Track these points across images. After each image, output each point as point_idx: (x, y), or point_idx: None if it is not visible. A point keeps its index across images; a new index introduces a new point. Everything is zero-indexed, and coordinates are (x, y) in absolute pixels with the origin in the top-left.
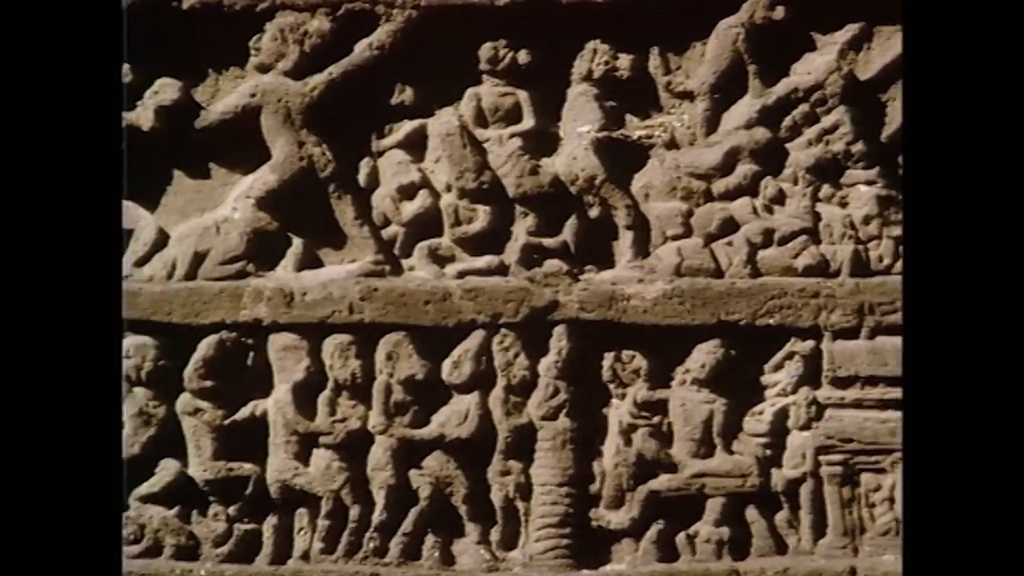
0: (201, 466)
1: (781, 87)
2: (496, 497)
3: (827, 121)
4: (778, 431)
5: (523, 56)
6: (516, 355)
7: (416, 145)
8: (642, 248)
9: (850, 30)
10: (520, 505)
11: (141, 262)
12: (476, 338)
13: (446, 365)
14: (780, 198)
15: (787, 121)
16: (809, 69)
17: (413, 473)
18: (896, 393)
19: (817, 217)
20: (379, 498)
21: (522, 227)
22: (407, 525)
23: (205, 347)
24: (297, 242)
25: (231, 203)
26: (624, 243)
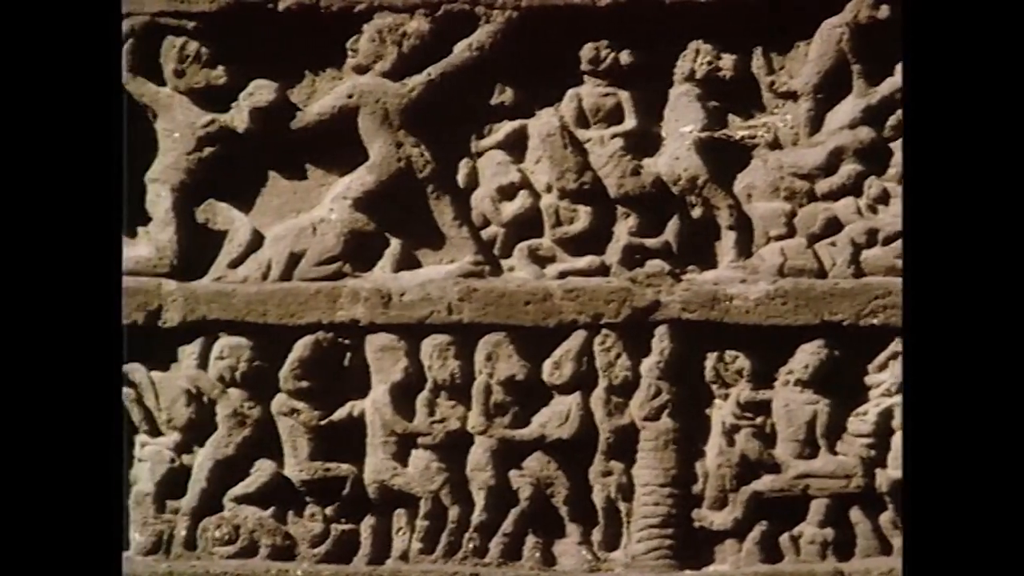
0: (297, 466)
1: (885, 86)
2: (598, 498)
3: None
4: (883, 432)
5: (625, 56)
6: (618, 356)
7: (516, 146)
8: (745, 248)
9: None
10: (622, 506)
11: (235, 263)
12: (577, 339)
13: (547, 366)
14: (884, 198)
15: (891, 120)
16: None
17: (513, 474)
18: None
19: None
20: (479, 498)
21: (623, 227)
22: (507, 525)
23: (301, 348)
24: (395, 243)
25: (328, 204)
26: (726, 243)
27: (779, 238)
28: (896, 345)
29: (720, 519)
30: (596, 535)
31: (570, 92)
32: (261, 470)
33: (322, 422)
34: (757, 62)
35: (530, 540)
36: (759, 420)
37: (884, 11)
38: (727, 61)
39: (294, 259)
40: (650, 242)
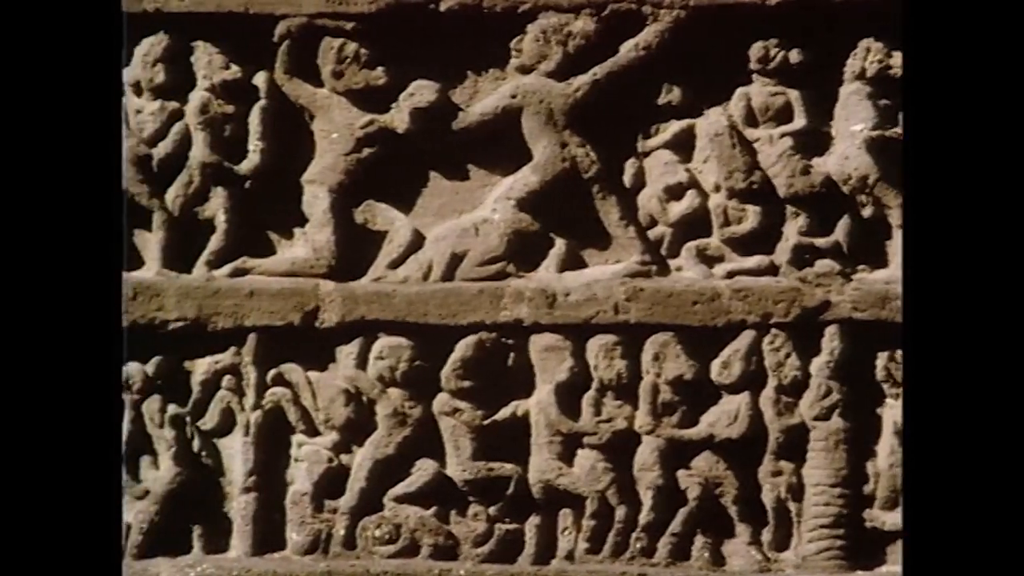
0: (460, 466)
1: None
2: (767, 498)
3: None
4: None
5: (794, 55)
6: (787, 355)
7: (684, 145)
8: None
9: None
10: (792, 506)
11: (395, 264)
12: (746, 338)
13: (715, 365)
14: None
15: None
16: None
17: (681, 473)
18: None
19: None
20: (646, 498)
21: (793, 227)
22: (676, 525)
23: (463, 348)
24: (560, 243)
25: (491, 204)
26: (897, 242)
27: None
28: None
29: (892, 519)
30: (766, 535)
31: (739, 91)
32: (423, 469)
33: (485, 422)
34: None
35: (699, 540)
36: None
37: None
38: (898, 59)
39: (456, 259)
40: (820, 241)
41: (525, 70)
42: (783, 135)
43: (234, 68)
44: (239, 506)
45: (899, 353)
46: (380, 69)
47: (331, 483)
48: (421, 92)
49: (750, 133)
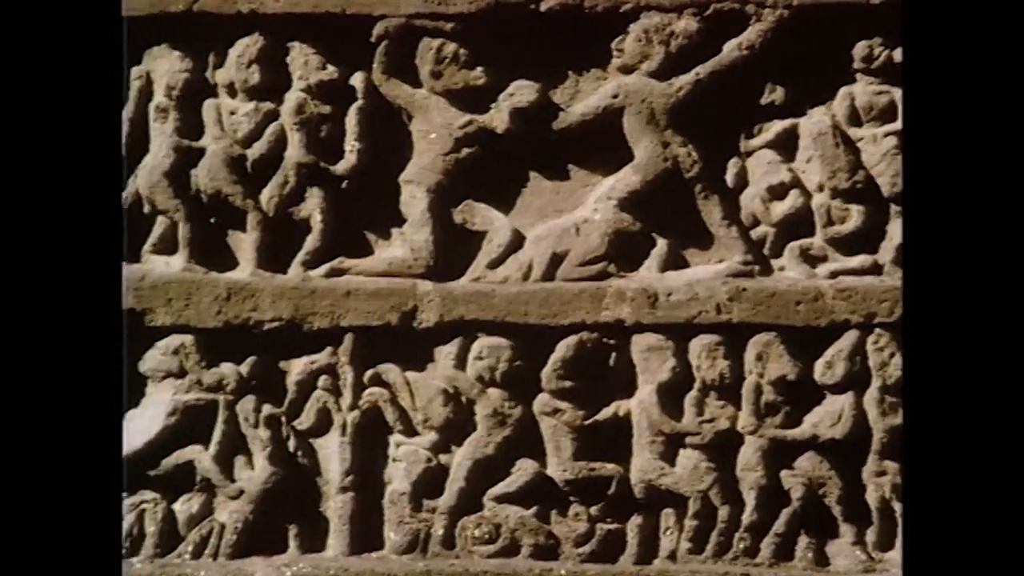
0: (561, 466)
1: None
2: (871, 498)
3: None
4: None
5: (898, 54)
6: (891, 355)
7: (787, 145)
8: None
9: None
10: (896, 506)
11: (495, 264)
12: (849, 338)
13: (818, 365)
14: None
15: None
16: None
17: (784, 474)
18: None
19: None
20: (749, 498)
21: (897, 227)
22: (779, 526)
23: (564, 348)
24: (661, 243)
25: (592, 204)
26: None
27: None
28: None
29: None
30: (870, 535)
31: (842, 90)
32: (523, 469)
33: (586, 422)
34: None
35: (802, 540)
36: None
37: None
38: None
39: (556, 259)
40: None
41: (627, 70)
42: (887, 134)
43: (331, 69)
44: (336, 505)
45: None
46: (479, 69)
47: (430, 483)
48: (521, 92)
49: (854, 132)
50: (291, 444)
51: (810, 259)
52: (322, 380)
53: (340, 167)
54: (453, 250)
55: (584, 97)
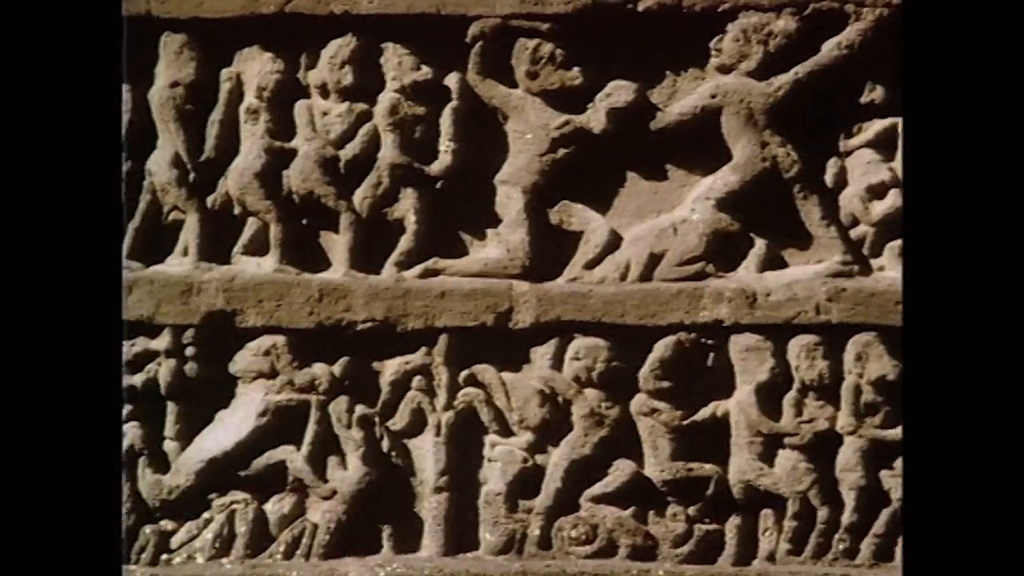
0: (658, 466)
1: None
2: None
3: None
4: None
5: None
6: None
7: (886, 144)
8: None
9: None
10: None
11: (592, 264)
12: None
13: None
14: None
15: None
16: None
17: (884, 474)
18: None
19: None
20: (849, 499)
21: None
22: (879, 527)
23: (662, 348)
24: (760, 243)
25: (689, 204)
26: None
27: None
28: None
29: None
30: None
31: None
32: (620, 470)
33: (684, 422)
34: None
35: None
36: None
37: None
38: None
39: (654, 260)
40: None
41: (725, 70)
42: None
43: (425, 69)
44: (430, 506)
45: None
46: (576, 69)
47: (525, 483)
48: (618, 92)
49: None
50: (384, 444)
51: None
52: (416, 380)
53: (434, 168)
54: (549, 251)
55: (682, 97)
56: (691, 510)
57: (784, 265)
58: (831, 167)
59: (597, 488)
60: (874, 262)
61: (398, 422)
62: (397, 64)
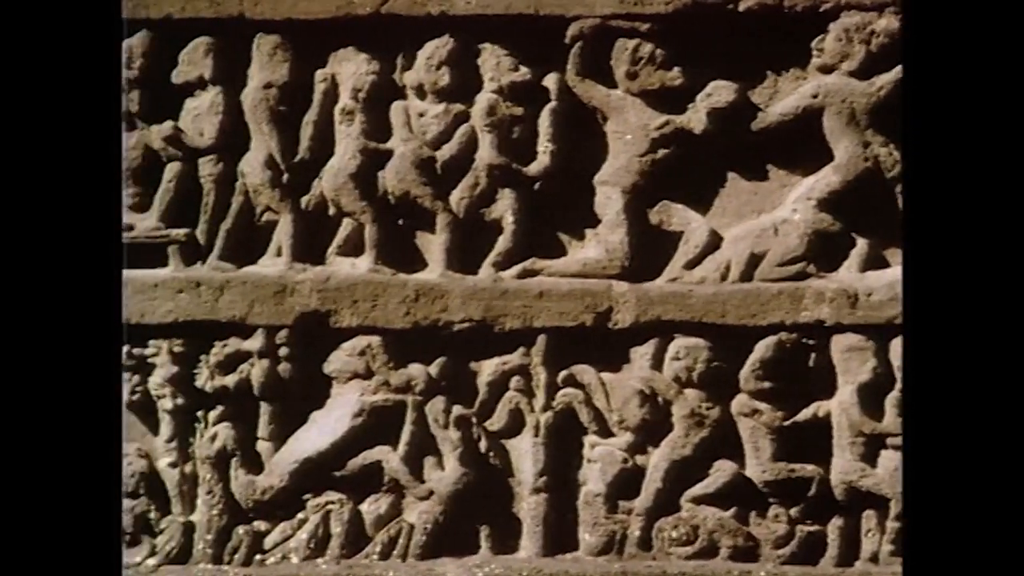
0: (760, 467)
1: None
2: None
3: None
4: None
5: None
6: None
7: None
8: None
9: None
10: None
11: (692, 264)
12: None
13: None
14: None
15: None
16: None
17: None
18: None
19: None
20: None
21: None
22: None
23: (763, 348)
24: (862, 243)
25: (790, 204)
26: None
27: None
28: None
29: None
30: None
31: None
32: (721, 470)
33: (786, 423)
34: None
35: None
36: None
37: None
38: None
39: (755, 260)
40: None
41: (826, 69)
42: None
43: (523, 70)
44: (529, 506)
45: None
46: (676, 70)
47: (625, 484)
48: (719, 92)
49: None
50: (482, 445)
51: None
52: (514, 381)
53: (533, 168)
54: (649, 251)
55: (783, 97)
56: (793, 511)
57: (886, 265)
58: None
59: (698, 489)
60: None
61: (496, 422)
62: (495, 65)
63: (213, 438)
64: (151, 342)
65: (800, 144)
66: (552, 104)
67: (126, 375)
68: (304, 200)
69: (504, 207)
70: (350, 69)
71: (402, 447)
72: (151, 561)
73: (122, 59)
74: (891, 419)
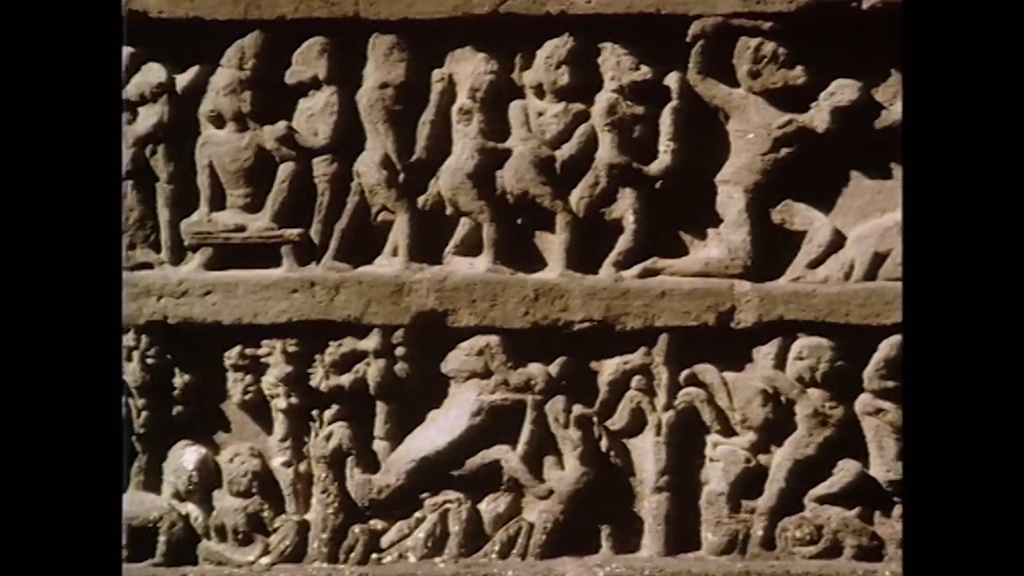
0: (884, 466)
1: None
2: None
3: None
4: None
5: None
6: None
7: None
8: None
9: None
10: None
11: (815, 263)
12: None
13: None
14: None
15: None
16: None
17: None
18: None
19: None
20: None
21: None
22: None
23: (887, 347)
24: None
25: None
26: None
27: None
28: None
29: None
30: None
31: None
32: (845, 470)
33: None
34: None
35: None
36: None
37: None
38: None
39: (879, 259)
40: None
41: None
42: None
43: (644, 69)
44: (651, 506)
45: None
46: (799, 68)
47: (748, 483)
48: (843, 91)
49: None
50: (603, 444)
51: None
52: (636, 380)
53: (654, 167)
54: (771, 250)
55: None
56: None
57: None
58: None
59: (821, 488)
60: None
61: (617, 422)
62: (615, 64)
63: (328, 437)
64: (264, 342)
65: None
66: (673, 103)
67: (238, 375)
68: (421, 200)
69: (625, 206)
70: (468, 69)
71: (521, 446)
72: (264, 560)
73: (122, 58)
74: None
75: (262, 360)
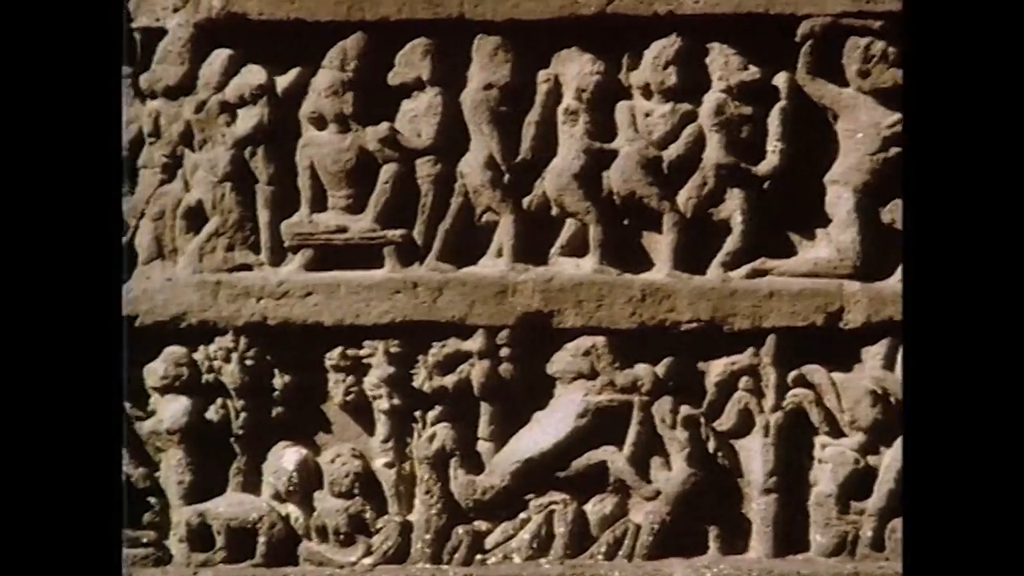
0: None
1: None
2: None
3: None
4: None
5: None
6: None
7: None
8: None
9: None
10: None
11: None
12: None
13: None
14: None
15: None
16: None
17: None
18: None
19: None
20: None
21: None
22: None
23: None
24: None
25: None
26: None
27: None
28: None
29: None
30: None
31: None
32: None
33: None
34: None
35: None
36: None
37: None
38: None
39: None
40: None
41: None
42: None
43: (752, 69)
44: (759, 507)
45: None
46: None
47: (857, 484)
48: None
49: None
50: (710, 445)
51: None
52: (744, 381)
53: (762, 168)
54: (881, 250)
55: None
56: None
57: None
58: None
59: None
60: None
61: (725, 423)
62: (724, 64)
63: (432, 438)
64: (366, 343)
65: None
66: (782, 103)
67: (340, 375)
68: (526, 200)
69: (733, 207)
70: (574, 69)
71: (628, 447)
72: (367, 560)
73: (122, 57)
74: None
75: (364, 361)
